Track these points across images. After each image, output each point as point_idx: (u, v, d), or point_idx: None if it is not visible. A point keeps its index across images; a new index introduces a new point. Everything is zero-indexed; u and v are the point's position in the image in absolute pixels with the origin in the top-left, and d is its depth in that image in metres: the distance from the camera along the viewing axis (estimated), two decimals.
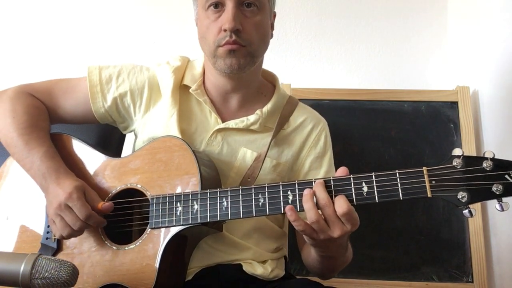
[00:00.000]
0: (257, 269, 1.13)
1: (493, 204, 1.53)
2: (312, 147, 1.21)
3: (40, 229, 1.14)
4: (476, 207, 1.52)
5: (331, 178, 0.92)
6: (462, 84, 1.67)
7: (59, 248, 1.11)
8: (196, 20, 1.18)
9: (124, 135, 1.36)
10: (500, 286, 1.48)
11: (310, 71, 1.92)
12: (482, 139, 1.61)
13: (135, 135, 1.26)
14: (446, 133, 1.63)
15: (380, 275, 1.56)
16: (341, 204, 0.88)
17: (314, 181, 0.92)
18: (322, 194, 0.90)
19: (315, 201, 0.90)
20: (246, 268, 1.12)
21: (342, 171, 0.93)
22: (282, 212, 0.94)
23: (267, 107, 1.18)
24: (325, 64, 1.92)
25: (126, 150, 1.43)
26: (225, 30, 1.06)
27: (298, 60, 1.92)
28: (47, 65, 1.98)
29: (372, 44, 1.91)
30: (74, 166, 1.14)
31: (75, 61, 1.96)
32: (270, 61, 1.81)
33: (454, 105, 1.65)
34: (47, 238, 1.12)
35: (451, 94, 1.66)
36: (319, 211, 0.90)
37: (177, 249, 1.06)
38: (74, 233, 1.05)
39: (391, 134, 1.66)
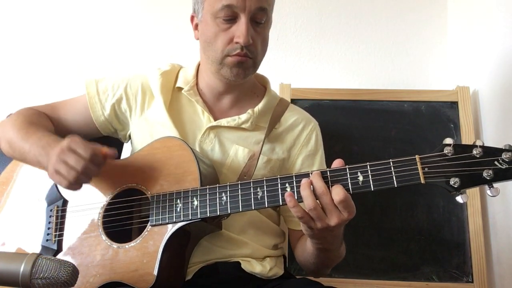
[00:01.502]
0: (256, 267, 1.14)
1: (493, 205, 1.55)
2: (303, 145, 1.25)
3: (40, 231, 1.15)
4: (476, 207, 1.54)
5: (328, 169, 0.95)
6: (462, 84, 1.67)
7: (59, 249, 1.12)
8: (197, 20, 1.20)
9: (123, 144, 1.37)
10: (500, 286, 1.48)
11: (310, 71, 1.92)
12: (482, 139, 1.61)
13: (132, 139, 1.28)
14: (446, 133, 1.63)
15: (380, 275, 1.56)
16: (338, 192, 0.91)
17: (311, 173, 0.95)
18: (319, 183, 0.93)
19: (312, 189, 0.93)
20: (245, 266, 1.13)
21: (338, 162, 0.96)
22: (281, 203, 0.96)
23: (258, 107, 1.22)
24: (325, 64, 1.92)
25: (126, 153, 1.43)
26: (237, 43, 1.10)
27: (298, 60, 1.92)
28: (47, 66, 1.98)
29: (372, 44, 1.91)
30: None
31: (77, 62, 1.96)
32: (270, 61, 1.83)
33: (454, 105, 1.65)
34: (47, 240, 1.13)
35: (451, 94, 1.66)
36: (317, 201, 0.93)
37: (178, 246, 1.07)
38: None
39: (391, 134, 1.66)
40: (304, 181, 0.94)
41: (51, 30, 2.01)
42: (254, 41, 1.12)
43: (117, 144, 1.40)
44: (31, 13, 2.02)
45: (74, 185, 1.02)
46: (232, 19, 1.11)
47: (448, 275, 1.54)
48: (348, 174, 0.94)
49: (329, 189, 0.92)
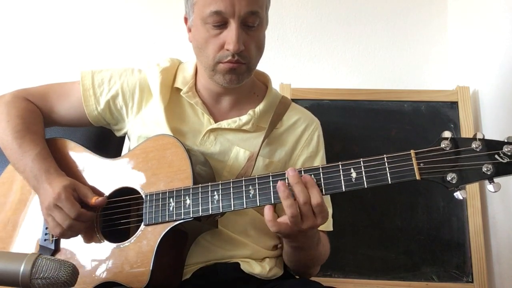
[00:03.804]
0: (255, 268, 1.13)
1: (493, 204, 1.54)
2: (304, 147, 1.22)
3: (38, 230, 1.15)
4: (476, 207, 1.54)
5: (320, 166, 0.94)
6: (462, 84, 1.66)
7: (57, 249, 1.12)
8: (189, 25, 1.16)
9: (124, 137, 1.37)
10: (500, 286, 1.48)
11: (310, 71, 1.91)
12: None
13: (129, 137, 1.28)
14: None
15: (380, 275, 1.56)
16: (315, 195, 0.91)
17: (302, 171, 0.94)
18: (304, 191, 0.92)
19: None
20: (244, 267, 1.12)
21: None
22: (273, 202, 0.96)
23: (259, 107, 1.19)
24: (325, 64, 1.92)
25: (126, 151, 1.43)
26: (228, 50, 1.06)
27: (298, 60, 1.92)
28: (47, 66, 1.99)
29: (372, 44, 1.91)
30: (69, 169, 1.16)
31: (76, 61, 1.97)
32: (270, 61, 1.83)
33: (454, 105, 1.65)
34: (45, 240, 1.13)
35: (451, 94, 1.66)
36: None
37: (172, 246, 1.06)
38: (67, 232, 1.06)
39: (391, 134, 1.66)
40: (281, 184, 0.93)
41: (52, 29, 2.02)
42: (247, 46, 1.08)
43: (117, 139, 1.40)
44: (33, 12, 2.03)
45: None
46: (222, 24, 1.06)
47: (448, 275, 1.54)
48: (341, 170, 0.92)
49: (321, 187, 0.92)
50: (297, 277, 1.24)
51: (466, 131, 1.60)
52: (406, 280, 1.54)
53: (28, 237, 1.16)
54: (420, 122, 1.65)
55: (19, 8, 2.04)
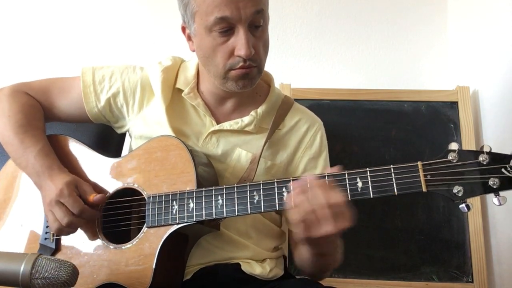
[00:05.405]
0: (256, 269, 1.13)
1: (493, 205, 1.54)
2: (307, 148, 1.21)
3: (39, 229, 1.15)
4: (476, 207, 1.54)
5: (326, 174, 0.93)
6: (462, 84, 1.67)
7: (57, 248, 1.12)
8: (189, 35, 1.12)
9: (124, 135, 1.37)
10: (500, 286, 1.48)
11: (310, 71, 1.92)
12: (482, 139, 1.61)
13: (130, 135, 1.27)
14: (446, 133, 1.63)
15: (380, 275, 1.56)
16: (335, 196, 0.87)
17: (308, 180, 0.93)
18: (321, 194, 0.88)
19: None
20: (245, 267, 1.12)
21: (337, 168, 0.94)
22: (277, 208, 0.95)
23: (262, 108, 1.18)
24: (325, 64, 1.92)
25: (126, 150, 1.43)
26: (238, 56, 1.03)
27: (298, 60, 1.92)
28: (47, 65, 1.98)
29: (372, 44, 1.91)
30: (71, 167, 1.15)
31: (76, 61, 1.97)
32: (270, 61, 1.81)
33: (454, 105, 1.65)
34: (45, 239, 1.13)
35: (451, 94, 1.66)
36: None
37: (174, 248, 1.06)
38: (66, 228, 1.06)
39: (391, 134, 1.66)
40: (297, 185, 0.90)
41: (52, 28, 2.02)
42: (256, 48, 1.04)
43: (118, 135, 1.40)
44: (34, 12, 2.03)
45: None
46: (228, 29, 1.02)
47: (448, 275, 1.54)
48: (347, 179, 0.91)
49: None
50: (297, 277, 1.24)
51: (466, 131, 1.61)
52: (406, 280, 1.55)
53: (28, 235, 1.16)
54: (420, 122, 1.66)
55: (21, 6, 2.04)
